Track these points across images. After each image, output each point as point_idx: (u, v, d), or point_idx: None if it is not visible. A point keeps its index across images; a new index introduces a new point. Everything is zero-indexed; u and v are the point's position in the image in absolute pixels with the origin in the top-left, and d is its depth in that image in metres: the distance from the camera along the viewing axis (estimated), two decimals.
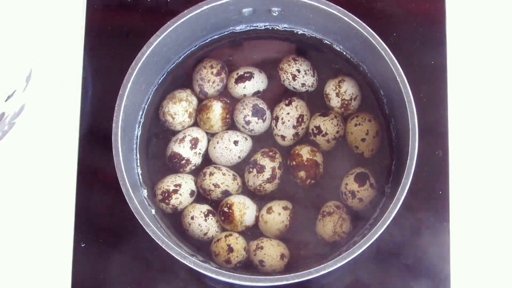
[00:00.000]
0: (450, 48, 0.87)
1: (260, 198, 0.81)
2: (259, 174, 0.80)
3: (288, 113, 0.81)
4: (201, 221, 0.79)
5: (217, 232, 0.80)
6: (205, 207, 0.80)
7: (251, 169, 0.80)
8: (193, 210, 0.80)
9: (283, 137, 0.82)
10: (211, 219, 0.80)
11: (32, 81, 0.76)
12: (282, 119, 0.81)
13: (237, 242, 0.78)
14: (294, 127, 0.81)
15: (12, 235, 0.86)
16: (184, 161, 0.81)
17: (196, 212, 0.79)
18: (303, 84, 0.83)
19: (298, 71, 0.82)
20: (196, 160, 0.81)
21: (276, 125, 0.81)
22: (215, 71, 0.82)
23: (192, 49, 0.84)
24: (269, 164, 0.80)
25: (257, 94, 0.83)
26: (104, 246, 0.84)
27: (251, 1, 0.79)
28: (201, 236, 0.79)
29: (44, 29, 0.84)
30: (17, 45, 0.76)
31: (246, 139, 0.82)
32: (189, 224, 0.79)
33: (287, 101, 0.82)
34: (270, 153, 0.81)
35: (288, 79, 0.83)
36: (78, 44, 0.88)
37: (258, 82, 0.83)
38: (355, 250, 0.71)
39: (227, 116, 0.82)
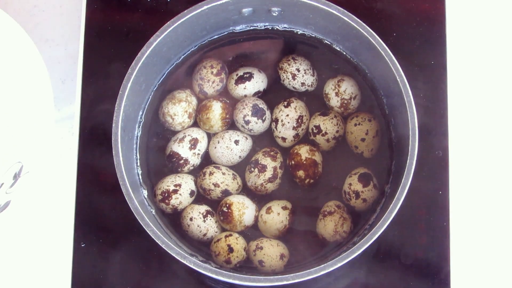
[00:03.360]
0: (450, 48, 0.87)
1: (260, 198, 0.81)
2: (260, 174, 0.80)
3: (288, 115, 0.81)
4: (200, 222, 0.79)
5: (216, 232, 0.80)
6: (203, 208, 0.80)
7: (252, 169, 0.80)
8: (191, 211, 0.80)
9: (283, 139, 0.82)
10: (210, 219, 0.80)
11: (21, 179, 0.75)
12: (281, 121, 0.81)
13: (237, 242, 0.78)
14: (294, 128, 0.81)
15: (12, 235, 0.86)
16: (182, 161, 0.81)
17: (194, 213, 0.79)
18: (302, 84, 0.83)
19: (298, 70, 0.82)
20: (194, 160, 0.81)
21: (276, 127, 0.81)
22: (215, 71, 0.83)
23: (192, 49, 0.84)
24: (270, 164, 0.80)
25: (257, 94, 0.83)
26: (104, 246, 0.84)
27: (251, 1, 0.79)
28: (201, 237, 0.79)
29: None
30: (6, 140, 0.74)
31: (247, 138, 0.82)
32: (188, 226, 0.79)
33: (285, 103, 0.82)
34: (272, 153, 0.81)
35: (288, 78, 0.83)
36: (78, 44, 0.88)
37: (258, 82, 0.83)
38: (355, 250, 0.71)
39: (227, 116, 0.82)
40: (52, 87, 0.89)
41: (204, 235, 0.79)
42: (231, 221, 0.79)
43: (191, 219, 0.79)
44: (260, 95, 0.84)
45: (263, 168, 0.80)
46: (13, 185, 0.75)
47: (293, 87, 0.83)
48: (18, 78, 0.77)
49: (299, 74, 0.82)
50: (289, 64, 0.83)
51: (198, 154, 0.81)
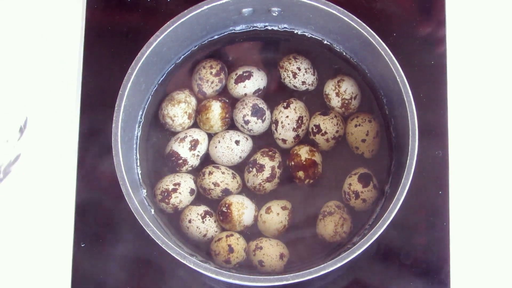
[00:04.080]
0: (450, 48, 0.87)
1: (260, 197, 0.81)
2: (258, 173, 0.80)
3: (287, 116, 0.81)
4: (199, 224, 0.79)
5: (216, 232, 0.80)
6: (201, 209, 0.80)
7: (250, 169, 0.80)
8: (189, 214, 0.79)
9: (284, 141, 0.81)
10: (209, 220, 0.80)
11: (27, 130, 0.76)
12: (281, 122, 0.81)
13: (238, 243, 0.78)
14: (294, 129, 0.81)
15: (12, 235, 0.86)
16: (181, 161, 0.81)
17: (193, 215, 0.79)
18: (303, 82, 0.83)
19: (299, 69, 0.82)
20: (193, 161, 0.81)
21: (276, 129, 0.81)
22: (214, 71, 0.82)
23: (192, 49, 0.84)
24: (268, 163, 0.80)
25: (258, 92, 0.83)
26: (104, 246, 0.84)
27: (251, 1, 0.79)
28: (201, 237, 0.79)
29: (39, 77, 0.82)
30: (10, 94, 0.75)
31: (247, 139, 0.82)
32: (188, 228, 0.79)
33: (285, 104, 0.82)
34: (270, 153, 0.81)
35: (289, 77, 0.83)
36: (78, 44, 0.88)
37: (258, 80, 0.83)
38: (355, 250, 0.71)
39: (227, 115, 0.82)
40: (51, 88, 0.89)
41: (204, 235, 0.79)
42: (230, 221, 0.79)
43: (189, 221, 0.79)
44: (260, 93, 0.83)
45: (261, 168, 0.80)
46: (20, 138, 0.76)
47: (294, 86, 0.83)
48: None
49: (300, 73, 0.82)
50: (290, 63, 0.83)
51: (198, 155, 0.81)
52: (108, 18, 0.89)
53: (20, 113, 0.75)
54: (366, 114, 0.82)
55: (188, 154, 0.81)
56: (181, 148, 0.81)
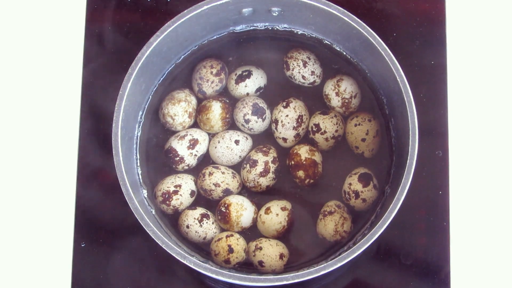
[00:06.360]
0: (450, 48, 0.87)
1: (260, 198, 0.81)
2: (252, 169, 0.80)
3: (287, 115, 0.81)
4: (197, 228, 0.79)
5: (215, 233, 0.80)
6: (197, 213, 0.80)
7: (245, 165, 0.80)
8: (186, 219, 0.79)
9: (284, 140, 0.82)
10: (206, 222, 0.79)
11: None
12: (281, 121, 0.81)
13: (238, 243, 0.78)
14: (294, 128, 0.81)
15: (12, 235, 0.86)
16: (178, 158, 0.80)
17: (190, 220, 0.79)
18: (312, 72, 0.82)
19: (309, 58, 0.83)
20: (190, 160, 0.81)
21: (276, 128, 0.81)
22: (214, 71, 0.82)
23: (192, 49, 0.84)
24: (261, 158, 0.80)
25: (259, 90, 0.83)
26: (104, 246, 0.84)
27: (251, 1, 0.79)
28: (201, 240, 0.79)
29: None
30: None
31: (247, 138, 0.82)
32: (187, 233, 0.79)
33: (284, 103, 0.82)
34: (264, 149, 0.81)
35: (299, 66, 0.82)
36: (78, 44, 0.88)
37: (258, 78, 0.83)
38: (355, 250, 0.71)
39: (227, 116, 0.82)
40: (52, 87, 0.89)
41: (204, 238, 0.79)
42: (228, 222, 0.79)
43: (187, 227, 0.79)
44: (261, 92, 0.83)
45: (254, 163, 0.80)
46: None
47: (302, 76, 0.83)
48: None
49: (310, 62, 0.82)
50: (299, 53, 0.83)
51: (195, 155, 0.81)
52: (108, 18, 0.89)
53: None
54: (366, 113, 0.82)
55: (185, 152, 0.81)
56: (180, 146, 0.80)
